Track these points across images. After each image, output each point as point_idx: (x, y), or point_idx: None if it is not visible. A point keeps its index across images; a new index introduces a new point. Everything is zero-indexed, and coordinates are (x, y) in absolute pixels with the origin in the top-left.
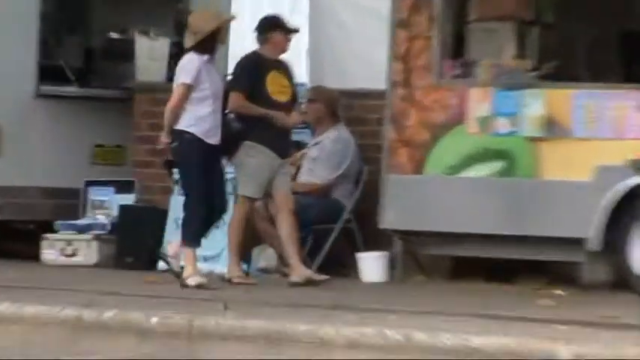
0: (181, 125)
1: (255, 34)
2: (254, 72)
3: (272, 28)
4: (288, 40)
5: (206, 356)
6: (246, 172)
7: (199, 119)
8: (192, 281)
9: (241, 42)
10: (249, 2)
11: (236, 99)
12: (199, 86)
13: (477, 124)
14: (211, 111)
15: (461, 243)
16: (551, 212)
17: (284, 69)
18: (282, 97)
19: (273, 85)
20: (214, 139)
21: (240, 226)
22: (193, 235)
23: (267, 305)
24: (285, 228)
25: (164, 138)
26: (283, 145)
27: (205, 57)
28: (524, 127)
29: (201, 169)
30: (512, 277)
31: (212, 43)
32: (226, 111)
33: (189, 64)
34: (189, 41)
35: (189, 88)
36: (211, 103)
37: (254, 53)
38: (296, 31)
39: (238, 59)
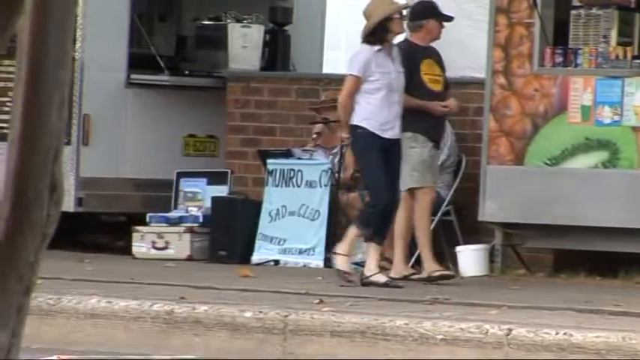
0: (355, 120)
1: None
2: (409, 62)
3: (427, 15)
4: (442, 27)
5: (301, 352)
6: (413, 164)
7: (372, 113)
8: (380, 278)
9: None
10: None
11: None
12: (369, 78)
13: (579, 113)
14: (385, 103)
15: (562, 235)
16: None
17: (436, 56)
18: (437, 86)
19: (428, 74)
20: (391, 133)
21: (427, 218)
22: (375, 230)
23: (363, 300)
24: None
25: (344, 133)
26: (440, 134)
27: (376, 48)
28: (627, 116)
29: (380, 163)
30: (615, 270)
31: (383, 33)
32: None
33: (358, 55)
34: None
35: (357, 81)
36: (384, 95)
37: (406, 42)
38: (451, 18)
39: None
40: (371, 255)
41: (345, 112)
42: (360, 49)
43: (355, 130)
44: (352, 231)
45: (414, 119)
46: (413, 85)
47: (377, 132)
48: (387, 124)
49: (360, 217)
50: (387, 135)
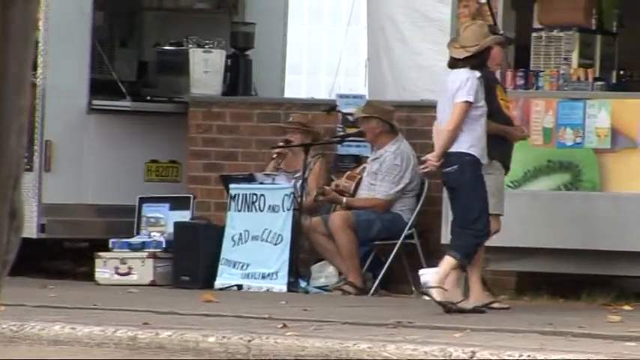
0: (461, 147)
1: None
2: (488, 88)
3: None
4: (504, 51)
5: None
6: (490, 190)
7: (478, 139)
8: (467, 305)
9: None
10: (307, 12)
11: None
12: (477, 104)
13: (541, 135)
14: (484, 130)
15: (525, 258)
16: (617, 226)
17: (500, 82)
18: (508, 112)
19: (503, 99)
20: (485, 160)
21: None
22: (470, 258)
23: (327, 324)
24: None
25: (435, 160)
26: (510, 159)
27: (477, 74)
28: (589, 138)
29: (484, 190)
30: (578, 292)
31: (485, 60)
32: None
33: (467, 82)
34: (456, 53)
35: (469, 107)
36: (484, 122)
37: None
38: (511, 42)
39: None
40: (455, 281)
41: (452, 140)
42: (463, 74)
43: (463, 157)
44: (449, 262)
45: (492, 145)
46: (492, 111)
47: (480, 158)
48: (484, 151)
49: (462, 248)
50: (484, 162)
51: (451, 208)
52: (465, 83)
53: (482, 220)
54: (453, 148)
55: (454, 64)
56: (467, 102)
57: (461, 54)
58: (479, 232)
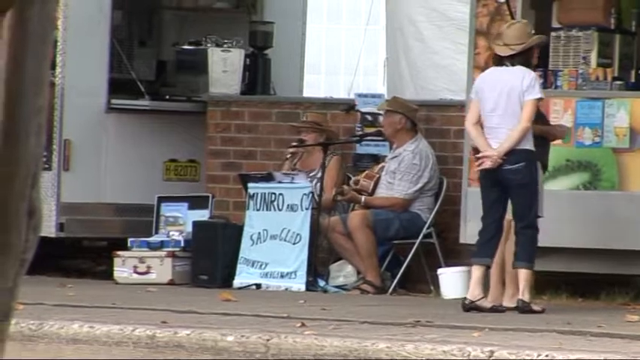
0: (526, 145)
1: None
2: None
3: None
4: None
5: None
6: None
7: (532, 138)
8: (537, 307)
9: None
10: (326, 12)
11: None
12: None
13: None
14: None
15: (544, 257)
16: (636, 225)
17: None
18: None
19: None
20: None
21: None
22: (534, 259)
23: (345, 323)
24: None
25: (499, 156)
26: (548, 159)
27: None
28: (608, 137)
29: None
30: (597, 292)
31: (529, 59)
32: None
33: (535, 79)
34: (500, 50)
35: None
36: None
37: None
38: (545, 44)
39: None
40: (525, 281)
41: (523, 138)
42: (526, 72)
43: (530, 154)
44: (525, 276)
45: (536, 147)
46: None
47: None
48: None
49: (529, 255)
50: None
51: (512, 207)
52: (535, 81)
53: (535, 220)
54: (519, 145)
55: (499, 61)
56: (539, 99)
57: (505, 52)
58: (536, 232)
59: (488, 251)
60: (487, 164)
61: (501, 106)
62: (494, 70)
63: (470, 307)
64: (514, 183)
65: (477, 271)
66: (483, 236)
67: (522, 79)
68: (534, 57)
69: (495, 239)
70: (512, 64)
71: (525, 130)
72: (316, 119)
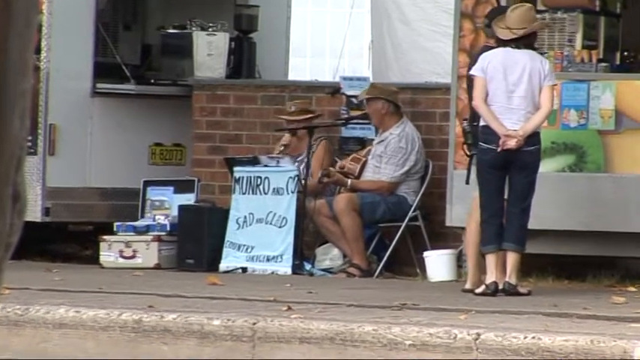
0: (539, 128)
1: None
2: None
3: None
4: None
5: (270, 359)
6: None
7: None
8: (523, 289)
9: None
10: None
11: None
12: None
13: None
14: None
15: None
16: (622, 207)
17: None
18: None
19: None
20: None
21: None
22: (525, 241)
23: (332, 306)
24: None
25: (523, 136)
26: None
27: None
28: (593, 119)
29: None
30: (583, 274)
31: (531, 43)
32: None
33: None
34: (501, 33)
35: None
36: None
37: None
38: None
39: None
40: (514, 263)
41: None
42: (545, 59)
43: (540, 137)
44: (516, 258)
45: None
46: None
47: None
48: None
49: (521, 237)
50: None
51: (512, 188)
52: (551, 67)
53: (531, 203)
54: (537, 129)
55: (502, 44)
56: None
57: (507, 35)
58: (528, 214)
59: (499, 237)
60: (511, 144)
61: (523, 87)
62: (504, 51)
63: (512, 292)
64: (528, 165)
65: (492, 257)
66: (493, 222)
67: (541, 63)
68: (535, 42)
69: (501, 223)
70: (517, 47)
71: (549, 114)
72: (304, 106)
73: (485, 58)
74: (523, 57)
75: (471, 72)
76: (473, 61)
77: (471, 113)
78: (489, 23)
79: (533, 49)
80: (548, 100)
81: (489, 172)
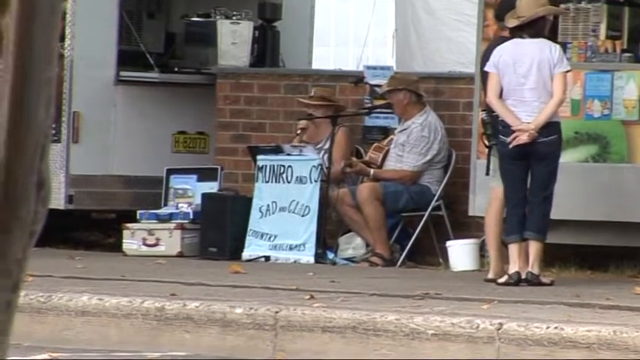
0: (556, 117)
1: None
2: None
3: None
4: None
5: (292, 348)
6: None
7: None
8: (546, 279)
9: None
10: None
11: None
12: None
13: (569, 107)
14: None
15: (553, 230)
16: None
17: None
18: None
19: None
20: None
21: None
22: (547, 230)
23: (354, 295)
24: None
25: (535, 129)
26: None
27: None
28: (617, 110)
29: None
30: (606, 264)
31: (540, 29)
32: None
33: (562, 51)
34: (509, 22)
35: None
36: None
37: None
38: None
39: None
40: (536, 253)
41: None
42: (555, 45)
43: (559, 126)
44: (538, 247)
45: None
46: None
47: None
48: None
49: (543, 226)
50: None
51: (533, 178)
52: (562, 53)
53: (553, 192)
54: (552, 118)
55: (512, 34)
56: (568, 71)
57: (512, 23)
58: (550, 204)
59: (522, 227)
60: (524, 139)
61: (532, 79)
62: (513, 43)
63: (534, 282)
64: (547, 156)
65: (515, 247)
66: (516, 213)
67: (550, 51)
68: (546, 28)
69: (524, 214)
70: (528, 36)
71: (561, 102)
72: (324, 94)
73: (496, 53)
74: (531, 47)
75: (485, 68)
76: (486, 53)
77: None
78: (499, 14)
79: (545, 37)
80: (560, 89)
81: (511, 164)
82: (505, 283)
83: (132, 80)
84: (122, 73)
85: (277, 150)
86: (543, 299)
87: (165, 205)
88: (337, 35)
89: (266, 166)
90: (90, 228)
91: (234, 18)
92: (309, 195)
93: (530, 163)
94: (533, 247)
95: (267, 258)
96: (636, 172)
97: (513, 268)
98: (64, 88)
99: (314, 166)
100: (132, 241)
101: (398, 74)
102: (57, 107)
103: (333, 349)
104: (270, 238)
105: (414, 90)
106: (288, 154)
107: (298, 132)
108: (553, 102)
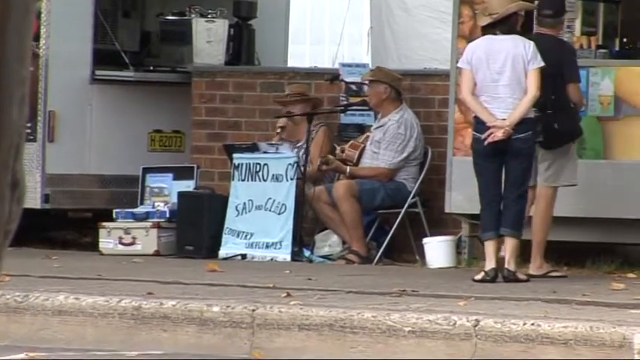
0: (531, 113)
1: (549, 18)
2: None
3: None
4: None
5: (269, 346)
6: (573, 160)
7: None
8: (522, 275)
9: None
10: None
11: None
12: None
13: None
14: None
15: (529, 226)
16: (621, 193)
17: None
18: None
19: None
20: None
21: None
22: (522, 227)
23: (331, 293)
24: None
25: (510, 126)
26: None
27: None
28: (593, 106)
29: None
30: (582, 260)
31: (512, 26)
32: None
33: (535, 47)
34: (481, 20)
35: None
36: None
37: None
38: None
39: (567, 45)
40: (512, 249)
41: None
42: (529, 42)
43: (533, 122)
44: (514, 244)
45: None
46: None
47: None
48: None
49: (518, 222)
50: None
51: (507, 175)
52: (535, 49)
53: (526, 189)
54: (529, 115)
55: (485, 31)
56: (541, 68)
57: (484, 21)
58: (524, 200)
59: (497, 224)
60: (499, 135)
61: (506, 75)
62: (487, 40)
63: (511, 278)
64: (521, 152)
65: (491, 246)
66: (491, 210)
67: (524, 48)
68: (518, 24)
69: (499, 211)
70: (501, 33)
71: (535, 99)
72: (301, 90)
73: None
74: (505, 44)
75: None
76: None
77: None
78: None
79: (518, 33)
80: (534, 85)
81: (485, 161)
82: (482, 280)
83: (107, 79)
84: (97, 72)
85: (253, 148)
86: (520, 296)
87: (142, 203)
88: (312, 33)
89: (242, 164)
90: (66, 227)
91: (209, 16)
92: (286, 193)
93: (505, 160)
94: (509, 244)
95: (244, 256)
96: (612, 168)
97: (489, 264)
98: (40, 88)
99: (290, 164)
100: (108, 240)
101: (384, 68)
102: (32, 106)
103: (310, 346)
104: (246, 236)
105: (396, 87)
106: (265, 152)
107: (278, 130)
108: (527, 98)
